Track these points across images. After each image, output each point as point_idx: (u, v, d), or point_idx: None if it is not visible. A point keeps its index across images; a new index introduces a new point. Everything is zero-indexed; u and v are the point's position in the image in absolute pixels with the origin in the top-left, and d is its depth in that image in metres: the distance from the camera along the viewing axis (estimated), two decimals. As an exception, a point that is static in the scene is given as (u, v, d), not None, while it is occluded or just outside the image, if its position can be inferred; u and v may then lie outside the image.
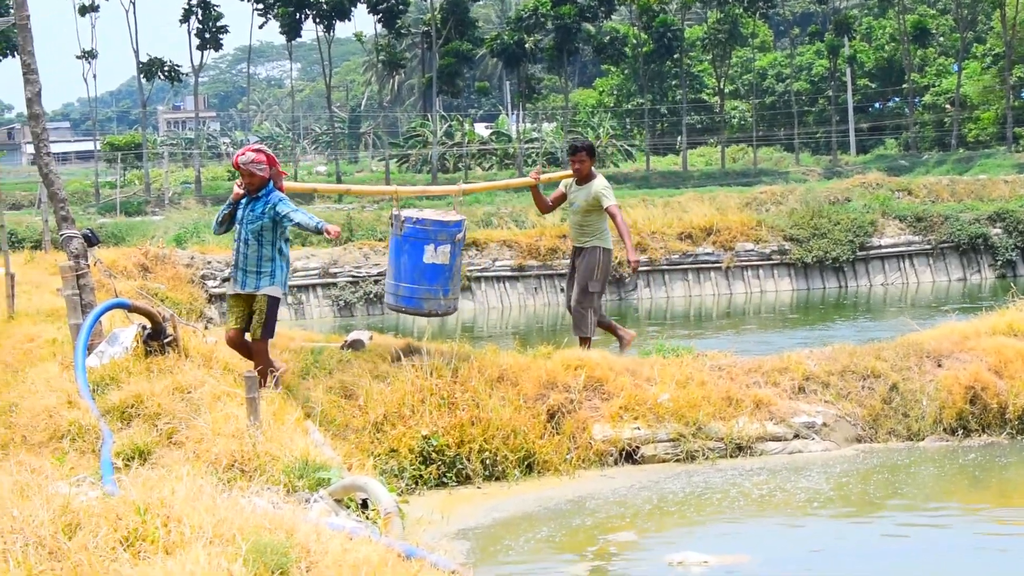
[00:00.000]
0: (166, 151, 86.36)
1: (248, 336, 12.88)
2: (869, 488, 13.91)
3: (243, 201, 12.69)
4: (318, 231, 12.46)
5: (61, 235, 15.49)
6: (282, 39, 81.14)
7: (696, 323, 31.00)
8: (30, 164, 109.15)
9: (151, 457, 10.86)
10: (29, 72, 15.66)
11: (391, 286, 14.56)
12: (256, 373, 11.51)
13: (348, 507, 10.57)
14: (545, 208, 16.03)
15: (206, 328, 16.34)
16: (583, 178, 15.47)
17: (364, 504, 10.62)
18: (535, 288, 34.96)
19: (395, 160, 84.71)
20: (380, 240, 36.71)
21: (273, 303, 12.77)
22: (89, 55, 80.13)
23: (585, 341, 15.74)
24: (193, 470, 9.36)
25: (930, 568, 11.34)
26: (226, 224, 12.90)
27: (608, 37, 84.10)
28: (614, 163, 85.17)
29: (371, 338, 15.50)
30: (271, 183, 12.66)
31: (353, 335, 15.54)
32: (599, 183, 15.41)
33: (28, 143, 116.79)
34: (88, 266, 15.31)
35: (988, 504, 13.53)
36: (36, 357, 16.70)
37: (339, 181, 70.90)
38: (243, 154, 12.55)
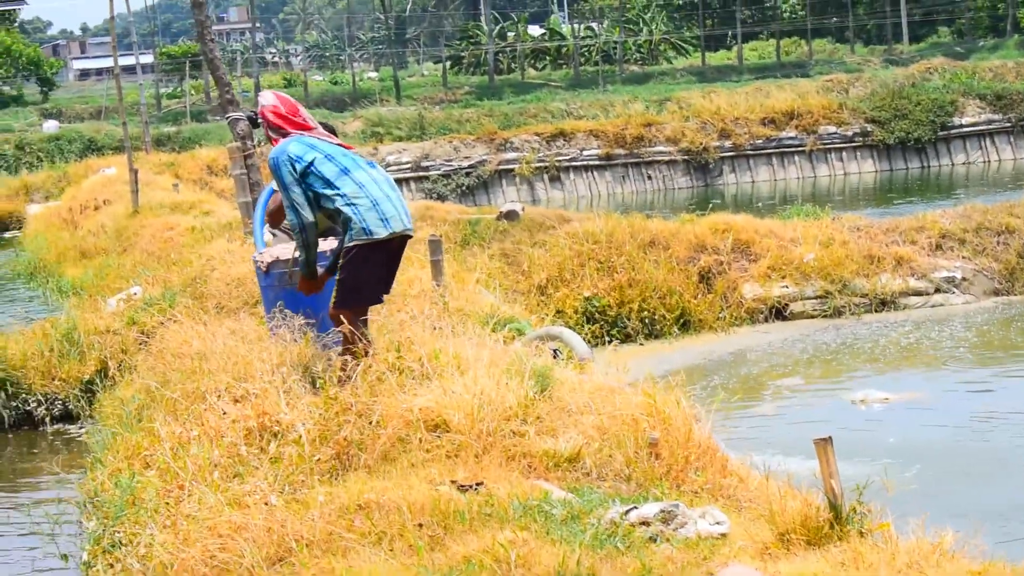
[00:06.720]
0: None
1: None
2: (1010, 335, 14.58)
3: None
4: None
5: (227, 117, 16.16)
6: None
7: (782, 207, 31.39)
8: (76, 80, 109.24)
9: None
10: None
11: None
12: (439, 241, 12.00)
13: (539, 357, 11.27)
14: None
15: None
16: None
17: (554, 355, 11.31)
18: (623, 176, 35.34)
19: (448, 63, 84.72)
20: (470, 133, 37.01)
21: None
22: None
23: None
24: (416, 319, 10.06)
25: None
26: None
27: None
28: (667, 59, 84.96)
29: (523, 209, 16.16)
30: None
31: (507, 206, 16.22)
32: None
33: (75, 59, 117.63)
34: (254, 147, 15.93)
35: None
36: (179, 244, 17.52)
37: (397, 86, 71.03)
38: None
